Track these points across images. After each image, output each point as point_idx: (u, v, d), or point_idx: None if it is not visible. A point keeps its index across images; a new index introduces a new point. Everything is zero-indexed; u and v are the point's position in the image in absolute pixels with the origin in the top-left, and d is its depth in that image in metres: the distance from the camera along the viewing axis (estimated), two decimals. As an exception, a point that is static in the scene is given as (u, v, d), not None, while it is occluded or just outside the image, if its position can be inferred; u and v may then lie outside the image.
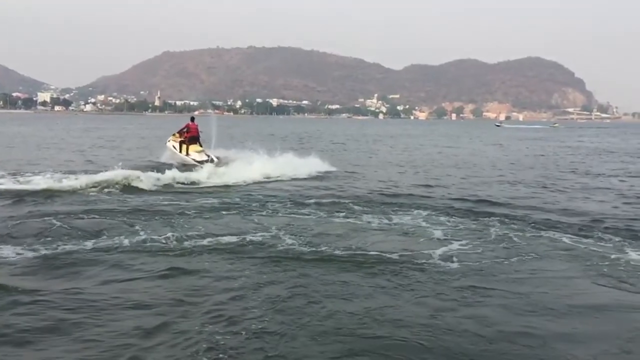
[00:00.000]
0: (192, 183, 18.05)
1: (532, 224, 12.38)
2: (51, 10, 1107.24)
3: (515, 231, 11.64)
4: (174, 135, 25.70)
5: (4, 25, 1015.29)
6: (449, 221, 12.63)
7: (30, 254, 9.05)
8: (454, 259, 9.38)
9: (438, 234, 11.31)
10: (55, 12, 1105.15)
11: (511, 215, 13.52)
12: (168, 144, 25.99)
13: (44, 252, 9.23)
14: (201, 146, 24.52)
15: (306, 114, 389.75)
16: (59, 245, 9.65)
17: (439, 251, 9.84)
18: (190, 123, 24.84)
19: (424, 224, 12.34)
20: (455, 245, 10.30)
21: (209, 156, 23.28)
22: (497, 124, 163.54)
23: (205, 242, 10.11)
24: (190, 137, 24.39)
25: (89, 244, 9.80)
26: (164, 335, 6.06)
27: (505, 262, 9.27)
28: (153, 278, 8.05)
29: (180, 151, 24.39)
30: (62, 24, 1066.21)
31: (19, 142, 41.55)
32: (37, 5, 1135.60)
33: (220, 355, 5.58)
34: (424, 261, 9.13)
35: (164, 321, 6.39)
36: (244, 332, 6.13)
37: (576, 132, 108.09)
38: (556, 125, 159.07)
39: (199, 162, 22.63)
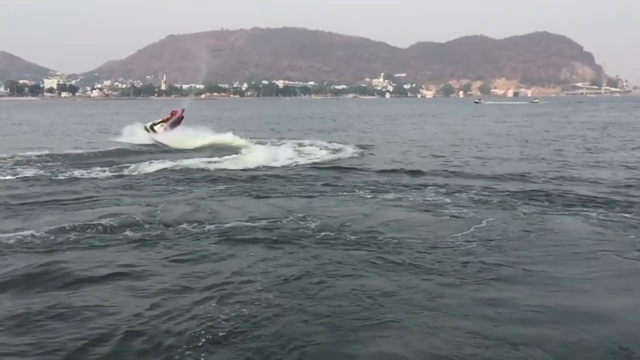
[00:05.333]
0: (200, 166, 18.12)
1: (554, 200, 12.41)
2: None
3: (538, 207, 11.65)
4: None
5: (8, 13, 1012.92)
6: (468, 198, 12.67)
7: (41, 233, 9.13)
8: (474, 237, 9.30)
9: (459, 211, 11.29)
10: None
11: (529, 190, 13.57)
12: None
13: (59, 233, 9.28)
14: (166, 123, 28.88)
15: (312, 95, 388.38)
16: (67, 226, 9.72)
17: (460, 230, 9.76)
18: (179, 111, 29.55)
19: (445, 201, 12.39)
20: (476, 223, 10.23)
21: (160, 127, 28.69)
22: (476, 100, 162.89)
23: (219, 225, 10.09)
24: (168, 119, 29.30)
25: (100, 226, 9.85)
26: (168, 311, 6.18)
27: (529, 240, 9.19)
28: (170, 255, 8.15)
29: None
30: (66, 10, 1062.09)
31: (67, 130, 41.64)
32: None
33: (221, 333, 5.68)
34: (445, 242, 9.02)
35: (168, 298, 6.48)
36: (245, 310, 6.22)
37: (576, 107, 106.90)
38: (536, 100, 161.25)
39: (150, 127, 28.74)
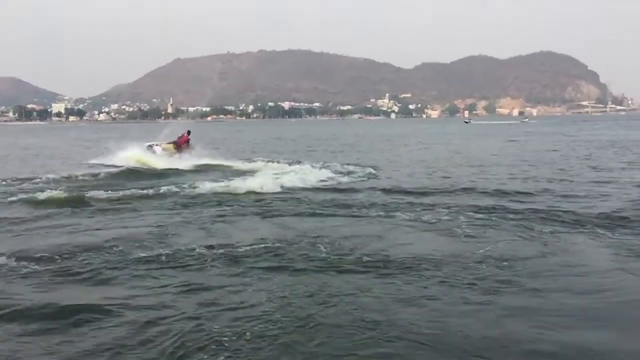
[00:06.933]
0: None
1: (567, 219, 12.19)
2: (63, 23, 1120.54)
3: (552, 227, 11.45)
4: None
5: (18, 39, 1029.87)
6: (480, 217, 12.52)
7: (51, 265, 8.97)
8: (486, 258, 9.10)
9: (470, 231, 11.15)
10: (67, 24, 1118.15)
11: (541, 209, 13.39)
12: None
13: (63, 263, 9.13)
14: (174, 148, 28.75)
15: (318, 116, 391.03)
16: (81, 256, 9.55)
17: (471, 251, 9.57)
18: (186, 134, 29.78)
19: (456, 220, 12.23)
20: (488, 244, 10.05)
21: (159, 147, 28.78)
22: (466, 120, 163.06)
23: (226, 248, 9.92)
24: (175, 142, 29.51)
25: (116, 250, 9.78)
26: (167, 334, 6.09)
27: (543, 262, 8.96)
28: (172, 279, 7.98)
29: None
30: (73, 36, 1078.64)
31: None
32: (49, 18, 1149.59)
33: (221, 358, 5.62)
34: (455, 263, 8.84)
35: (168, 322, 6.34)
36: (248, 334, 6.11)
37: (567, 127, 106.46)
38: (526, 120, 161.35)
39: (154, 145, 29.00)
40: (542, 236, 10.71)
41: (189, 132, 29.89)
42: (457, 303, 7.10)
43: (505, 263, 8.80)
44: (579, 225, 11.59)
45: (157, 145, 28.79)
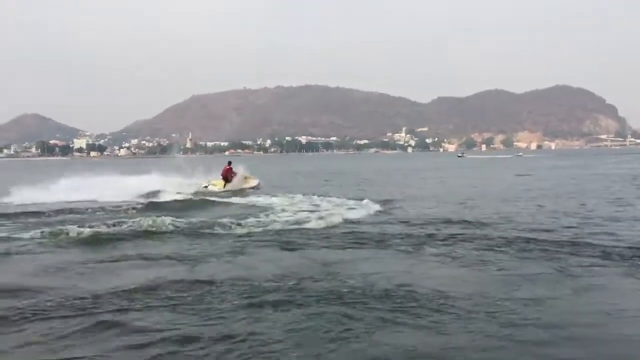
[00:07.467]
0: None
1: (594, 254, 11.76)
2: (83, 61, 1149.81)
3: (578, 261, 11.10)
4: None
5: (40, 76, 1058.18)
6: (504, 252, 12.19)
7: (66, 303, 8.84)
8: (511, 296, 8.77)
9: (494, 266, 10.88)
10: (87, 63, 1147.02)
11: (567, 242, 13.03)
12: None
13: (75, 303, 9.00)
14: (225, 182, 31.81)
15: (335, 150, 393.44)
16: (97, 297, 9.43)
17: (496, 289, 9.22)
18: (227, 166, 32.54)
19: (484, 255, 11.92)
20: (515, 281, 9.72)
21: (207, 185, 31.88)
22: (459, 154, 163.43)
23: (245, 282, 9.69)
24: (222, 176, 32.36)
25: (148, 278, 9.59)
26: None
27: (574, 300, 8.62)
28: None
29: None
30: (94, 74, 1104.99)
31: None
32: (70, 56, 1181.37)
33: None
34: (480, 299, 8.55)
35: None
36: None
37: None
38: (520, 154, 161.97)
39: (206, 186, 31.69)
40: (572, 270, 10.32)
41: (229, 163, 32.83)
42: (486, 349, 6.72)
43: (532, 303, 8.40)
44: (611, 260, 11.16)
45: (209, 185, 31.65)
